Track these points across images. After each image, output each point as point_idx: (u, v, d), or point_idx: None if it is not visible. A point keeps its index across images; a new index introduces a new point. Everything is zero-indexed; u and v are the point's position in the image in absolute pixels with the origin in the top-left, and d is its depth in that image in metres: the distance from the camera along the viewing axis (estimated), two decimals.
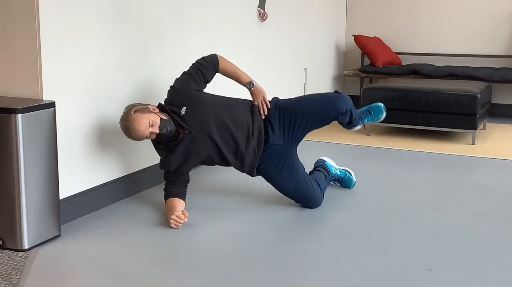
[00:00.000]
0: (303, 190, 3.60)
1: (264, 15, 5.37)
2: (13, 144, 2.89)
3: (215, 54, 3.56)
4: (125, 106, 3.38)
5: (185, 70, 3.52)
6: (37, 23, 3.06)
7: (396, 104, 5.55)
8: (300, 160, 3.71)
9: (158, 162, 3.54)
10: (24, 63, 3.12)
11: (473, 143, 5.37)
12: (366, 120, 3.95)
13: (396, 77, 6.61)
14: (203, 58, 3.54)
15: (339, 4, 7.27)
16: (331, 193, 3.87)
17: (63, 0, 3.20)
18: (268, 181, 3.66)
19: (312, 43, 6.52)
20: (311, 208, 3.61)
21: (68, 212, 3.31)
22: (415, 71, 6.64)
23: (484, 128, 5.92)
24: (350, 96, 3.75)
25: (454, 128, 5.49)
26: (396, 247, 3.08)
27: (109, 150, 3.64)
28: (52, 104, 3.05)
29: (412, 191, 4.05)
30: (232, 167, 3.59)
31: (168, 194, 3.47)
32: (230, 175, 3.75)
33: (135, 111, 3.28)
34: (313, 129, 3.65)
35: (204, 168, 4.21)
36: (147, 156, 3.86)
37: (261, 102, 3.58)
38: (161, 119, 3.31)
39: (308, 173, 3.75)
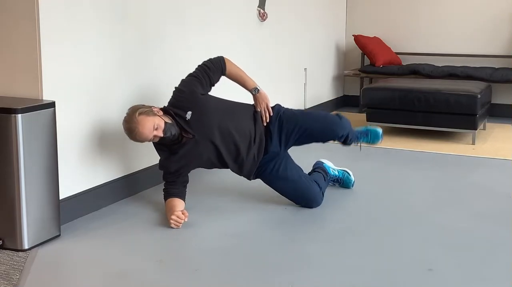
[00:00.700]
0: (302, 189, 3.60)
1: (264, 15, 5.37)
2: (13, 144, 2.89)
3: (222, 57, 3.52)
4: (128, 108, 3.35)
5: (191, 72, 3.47)
6: (37, 23, 3.06)
7: (396, 104, 5.56)
8: (300, 161, 3.73)
9: (158, 162, 3.54)
10: (24, 63, 3.12)
11: (473, 143, 5.37)
12: (361, 140, 3.98)
13: (396, 77, 6.61)
14: (210, 60, 3.49)
15: (339, 4, 7.27)
16: (331, 193, 3.87)
17: (63, 0, 3.20)
18: (266, 184, 3.67)
19: (312, 43, 6.52)
20: (311, 207, 3.61)
21: (68, 212, 3.31)
22: (415, 71, 6.64)
23: (484, 128, 5.92)
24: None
25: (454, 128, 5.48)
26: (396, 247, 3.08)
27: (109, 150, 3.64)
28: (52, 104, 3.05)
29: (412, 191, 4.05)
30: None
31: (168, 194, 3.47)
32: (230, 175, 3.75)
33: (140, 114, 3.24)
34: (306, 144, 3.72)
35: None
36: (147, 156, 3.86)
37: (264, 109, 3.57)
38: (166, 122, 3.29)
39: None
